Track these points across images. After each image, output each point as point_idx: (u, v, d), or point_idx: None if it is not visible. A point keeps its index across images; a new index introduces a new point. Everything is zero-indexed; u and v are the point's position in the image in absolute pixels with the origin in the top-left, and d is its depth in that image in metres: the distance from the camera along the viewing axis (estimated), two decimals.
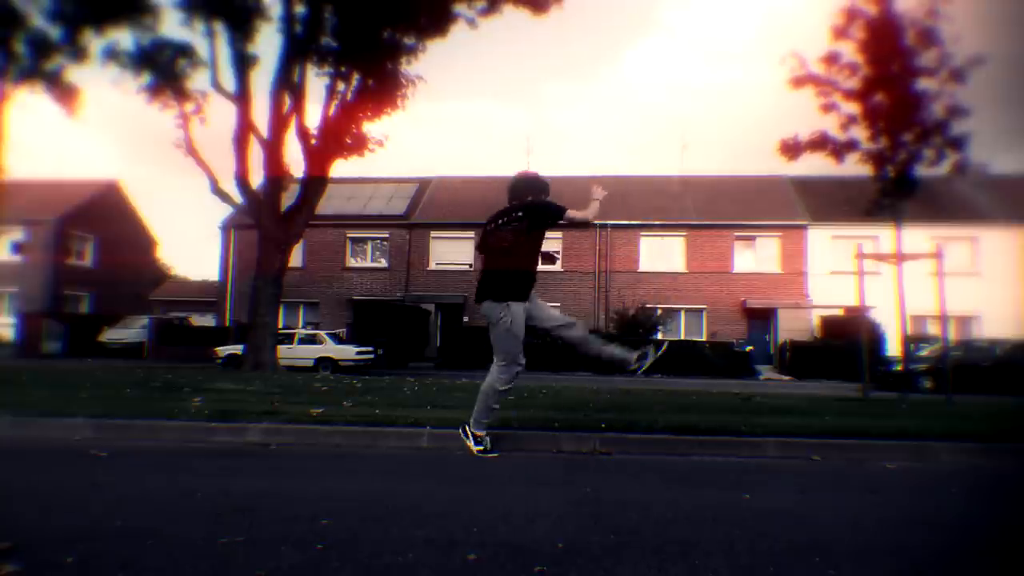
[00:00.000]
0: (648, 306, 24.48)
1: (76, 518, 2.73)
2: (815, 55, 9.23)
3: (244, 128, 14.62)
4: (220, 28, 14.48)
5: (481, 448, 4.29)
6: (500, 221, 4.37)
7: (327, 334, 19.45)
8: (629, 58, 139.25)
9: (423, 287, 27.80)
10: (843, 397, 9.24)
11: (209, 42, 14.59)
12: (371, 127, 15.69)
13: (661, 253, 26.90)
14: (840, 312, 23.15)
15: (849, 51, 9.07)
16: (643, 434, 4.76)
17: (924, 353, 16.84)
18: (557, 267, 26.29)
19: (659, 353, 4.39)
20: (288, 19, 14.52)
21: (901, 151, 8.96)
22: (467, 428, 4.37)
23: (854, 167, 9.63)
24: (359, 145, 15.46)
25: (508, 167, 73.92)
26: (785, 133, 9.67)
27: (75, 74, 54.18)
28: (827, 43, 9.18)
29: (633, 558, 2.28)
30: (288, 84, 14.77)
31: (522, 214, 4.29)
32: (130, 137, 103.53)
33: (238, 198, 15.12)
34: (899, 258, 8.81)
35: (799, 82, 9.25)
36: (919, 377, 14.58)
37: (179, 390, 7.41)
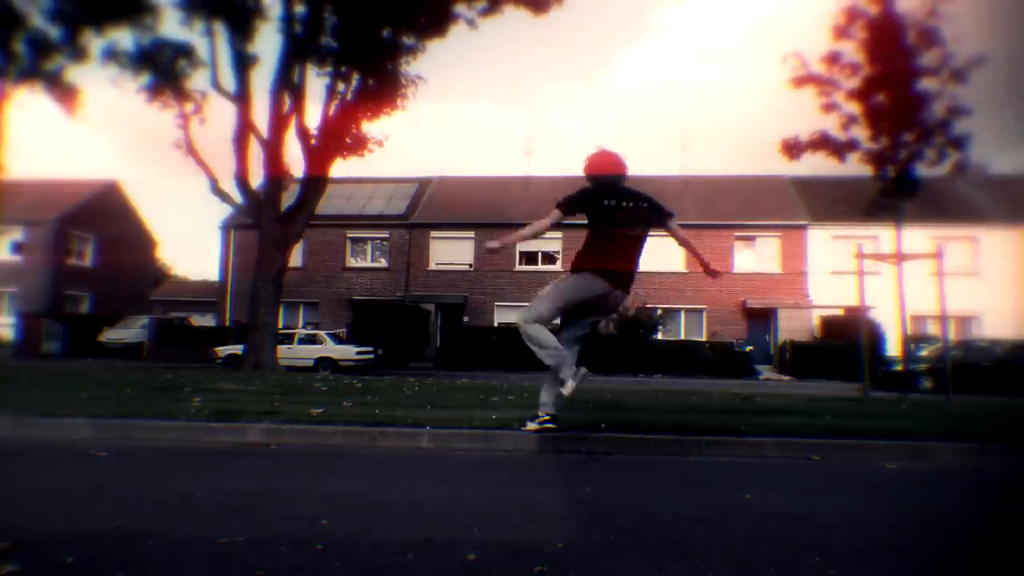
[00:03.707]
0: (648, 306, 24.48)
1: (76, 518, 2.73)
2: (815, 55, 9.24)
3: (244, 128, 14.62)
4: (220, 28, 14.49)
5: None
6: (626, 204, 4.03)
7: (327, 334, 19.45)
8: (628, 58, 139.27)
9: (423, 287, 27.80)
10: (843, 397, 9.24)
11: (209, 42, 14.60)
12: (371, 127, 15.70)
13: (661, 253, 26.84)
14: (840, 312, 23.15)
15: (850, 51, 9.07)
16: (643, 434, 4.75)
17: (924, 353, 16.84)
18: (557, 267, 26.29)
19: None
20: (288, 19, 14.52)
21: (902, 151, 8.95)
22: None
23: (855, 167, 9.63)
24: (359, 145, 15.45)
25: (508, 168, 73.97)
26: (785, 133, 9.65)
27: (75, 74, 54.24)
28: (827, 43, 9.18)
29: (633, 558, 2.28)
30: (288, 84, 14.77)
31: (647, 206, 4.07)
32: (130, 137, 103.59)
33: (238, 198, 15.12)
34: (899, 258, 8.81)
35: (800, 82, 9.25)
36: (919, 377, 14.58)
37: (179, 390, 7.40)
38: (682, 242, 4.34)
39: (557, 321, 4.31)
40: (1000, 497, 3.69)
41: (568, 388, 4.01)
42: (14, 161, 36.92)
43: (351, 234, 28.84)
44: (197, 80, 15.11)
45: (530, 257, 27.57)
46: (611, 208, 3.99)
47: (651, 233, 4.22)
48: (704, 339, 24.92)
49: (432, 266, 28.18)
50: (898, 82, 8.76)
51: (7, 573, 2.02)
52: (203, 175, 14.78)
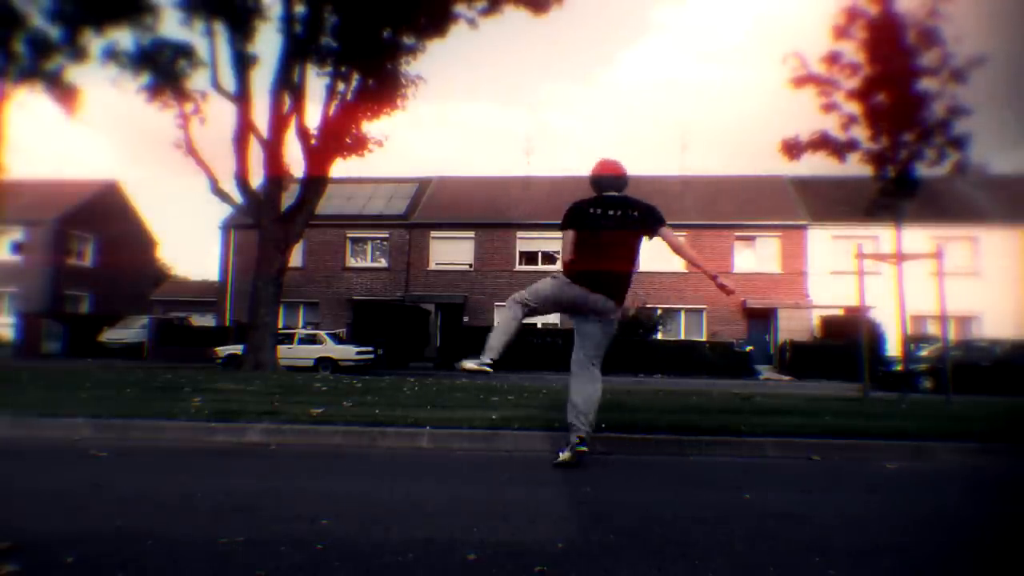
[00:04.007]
0: (648, 306, 24.49)
1: (76, 518, 2.73)
2: (815, 55, 9.24)
3: (244, 128, 14.62)
4: (220, 28, 14.49)
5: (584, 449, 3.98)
6: (612, 212, 4.00)
7: (327, 334, 19.44)
8: (628, 58, 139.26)
9: (423, 287, 27.80)
10: (843, 397, 9.24)
11: (209, 42, 14.60)
12: (371, 127, 15.71)
13: (661, 253, 26.73)
14: (840, 312, 23.16)
15: (850, 51, 9.07)
16: (643, 434, 4.76)
17: (924, 353, 16.84)
18: (557, 266, 26.30)
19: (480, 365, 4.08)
20: (288, 19, 14.53)
21: (902, 151, 8.95)
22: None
23: (855, 167, 9.64)
24: (359, 145, 15.46)
25: (508, 167, 73.95)
26: (785, 133, 9.65)
27: (75, 74, 54.23)
28: (827, 43, 9.19)
29: (633, 558, 2.28)
30: (288, 84, 14.77)
31: (638, 214, 4.00)
32: (130, 137, 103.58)
33: (238, 198, 15.12)
34: (899, 258, 8.81)
35: (800, 82, 9.25)
36: (919, 377, 14.57)
37: (179, 390, 7.40)
38: (677, 249, 4.13)
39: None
40: (1000, 497, 3.69)
41: (470, 364, 4.10)
42: (14, 161, 36.91)
43: (351, 234, 28.83)
44: (197, 80, 15.13)
45: (530, 257, 27.60)
46: (596, 216, 4.04)
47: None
48: (704, 339, 24.93)
49: (432, 266, 28.18)
50: (898, 82, 8.76)
51: (7, 573, 2.02)
52: (203, 175, 14.80)
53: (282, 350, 15.76)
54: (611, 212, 4.02)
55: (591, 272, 3.99)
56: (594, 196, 4.14)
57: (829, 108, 9.25)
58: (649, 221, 4.05)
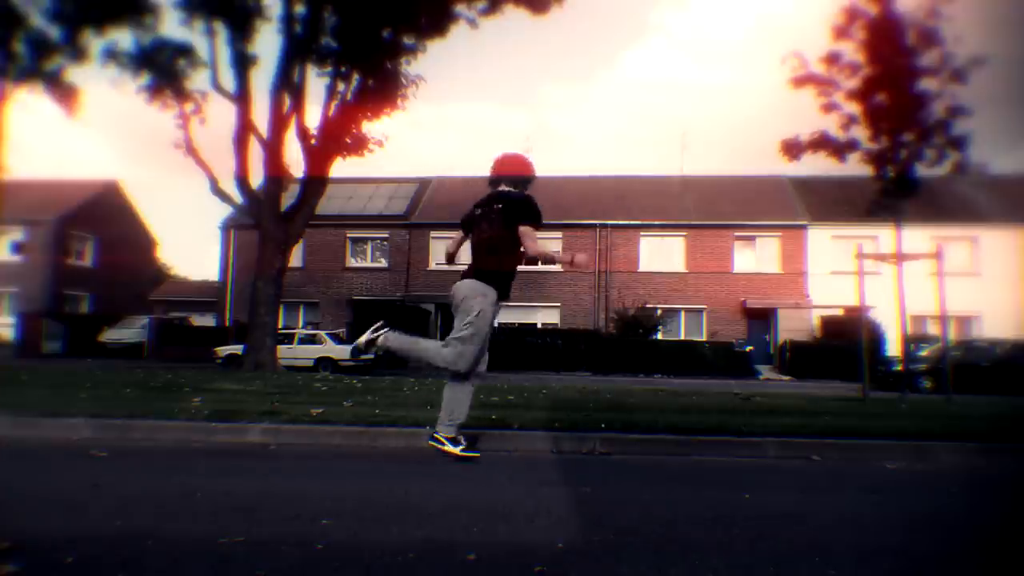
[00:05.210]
0: (648, 306, 24.49)
1: (76, 518, 2.72)
2: (815, 55, 9.25)
3: (244, 128, 14.63)
4: (220, 28, 14.51)
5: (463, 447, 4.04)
6: (482, 209, 4.16)
7: (327, 334, 19.46)
8: (628, 59, 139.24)
9: (423, 287, 27.79)
10: (843, 397, 9.24)
11: (209, 42, 14.63)
12: (371, 127, 15.74)
13: (661, 253, 26.91)
14: (840, 312, 23.17)
15: (850, 51, 9.08)
16: (643, 434, 4.76)
17: (924, 353, 16.85)
18: (556, 267, 26.30)
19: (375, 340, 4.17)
20: (288, 19, 14.53)
21: (902, 151, 8.96)
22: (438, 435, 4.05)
23: (855, 167, 9.65)
24: (359, 145, 15.48)
25: None
26: (785, 133, 9.66)
27: (75, 74, 54.22)
28: (827, 43, 9.20)
29: (633, 558, 2.28)
30: (288, 84, 14.78)
31: (501, 207, 4.05)
32: (130, 137, 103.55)
33: (238, 198, 15.13)
34: (899, 258, 8.82)
35: (800, 82, 9.26)
36: (919, 377, 14.58)
37: (179, 390, 7.40)
38: (530, 251, 4.01)
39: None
40: (1000, 497, 3.69)
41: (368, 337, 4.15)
42: (14, 161, 36.91)
43: (351, 234, 28.83)
44: (197, 80, 15.13)
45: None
46: (476, 217, 4.16)
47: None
48: (704, 339, 24.93)
49: (432, 266, 28.18)
50: (898, 82, 8.77)
51: (7, 573, 2.02)
52: (203, 175, 14.82)
53: (282, 350, 15.77)
54: (483, 209, 4.15)
55: (468, 270, 4.07)
56: (486, 194, 4.21)
57: (829, 108, 9.26)
58: (510, 215, 4.01)
